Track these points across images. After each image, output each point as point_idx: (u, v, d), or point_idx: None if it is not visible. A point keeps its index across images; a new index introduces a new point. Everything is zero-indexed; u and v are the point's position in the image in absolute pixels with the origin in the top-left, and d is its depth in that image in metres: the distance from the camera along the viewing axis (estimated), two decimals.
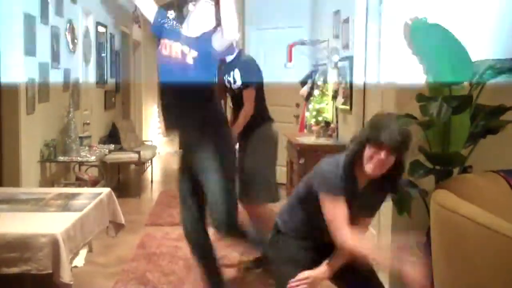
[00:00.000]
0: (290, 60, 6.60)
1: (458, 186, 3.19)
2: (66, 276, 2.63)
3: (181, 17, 3.33)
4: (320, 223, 2.54)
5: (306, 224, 2.67)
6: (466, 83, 3.45)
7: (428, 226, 3.37)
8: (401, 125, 2.51)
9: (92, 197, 3.39)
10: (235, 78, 4.18)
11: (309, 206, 2.62)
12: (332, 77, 5.95)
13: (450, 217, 2.88)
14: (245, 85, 4.16)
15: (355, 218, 2.55)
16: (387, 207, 3.88)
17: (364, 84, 4.87)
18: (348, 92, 5.15)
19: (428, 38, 3.25)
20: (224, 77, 4.23)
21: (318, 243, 2.66)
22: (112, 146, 6.21)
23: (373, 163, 2.46)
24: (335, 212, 2.48)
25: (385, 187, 2.64)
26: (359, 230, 2.59)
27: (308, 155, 5.12)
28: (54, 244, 2.61)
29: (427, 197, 3.51)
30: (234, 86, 4.21)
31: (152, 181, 8.05)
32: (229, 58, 4.20)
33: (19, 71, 4.34)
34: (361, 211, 2.59)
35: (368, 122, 2.63)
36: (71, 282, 2.72)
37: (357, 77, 4.95)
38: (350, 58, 5.09)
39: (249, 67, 4.23)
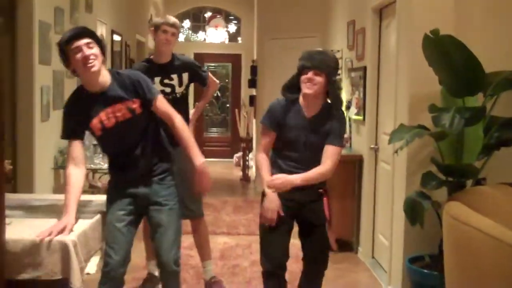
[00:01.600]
0: None
1: (471, 198, 3.17)
2: (76, 282, 2.64)
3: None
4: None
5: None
6: (479, 95, 3.44)
7: (441, 237, 3.35)
8: (321, 51, 3.24)
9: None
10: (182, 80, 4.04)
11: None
12: (346, 88, 5.94)
13: (463, 229, 2.86)
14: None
15: (317, 142, 3.17)
16: (399, 218, 3.87)
17: (378, 94, 4.86)
18: (362, 103, 5.14)
19: (441, 49, 3.24)
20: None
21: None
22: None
23: (305, 83, 3.11)
24: (261, 138, 3.34)
25: (330, 114, 3.19)
26: (325, 158, 3.15)
27: None
28: (65, 250, 2.62)
29: (439, 209, 3.50)
30: (177, 90, 4.03)
31: None
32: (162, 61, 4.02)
33: (34, 79, 4.38)
34: (317, 134, 3.17)
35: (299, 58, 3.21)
36: None
37: (371, 88, 4.94)
38: (363, 69, 5.08)
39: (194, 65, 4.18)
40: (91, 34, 2.89)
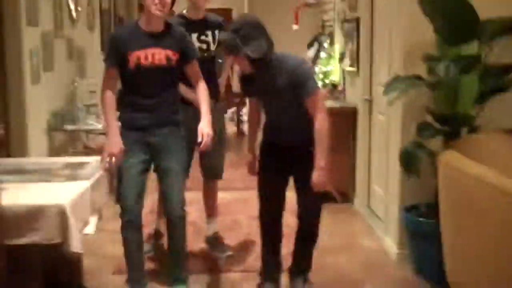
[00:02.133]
0: (296, 22, 6.52)
1: (466, 147, 3.17)
2: (75, 245, 2.65)
3: None
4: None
5: None
6: (474, 43, 3.39)
7: (436, 187, 3.37)
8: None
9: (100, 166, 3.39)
10: (215, 38, 3.92)
11: None
12: (339, 39, 5.88)
13: (459, 178, 2.87)
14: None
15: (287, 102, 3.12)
16: (395, 168, 3.88)
17: (371, 45, 4.81)
18: (355, 54, 5.09)
19: None
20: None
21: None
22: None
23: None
24: None
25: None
26: (313, 113, 3.06)
27: None
28: (62, 214, 2.62)
29: (435, 158, 3.50)
30: (212, 47, 3.93)
31: None
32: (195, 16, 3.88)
33: (22, 42, 4.30)
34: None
35: None
36: (81, 251, 2.74)
37: (364, 39, 4.88)
38: (356, 20, 5.01)
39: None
40: None
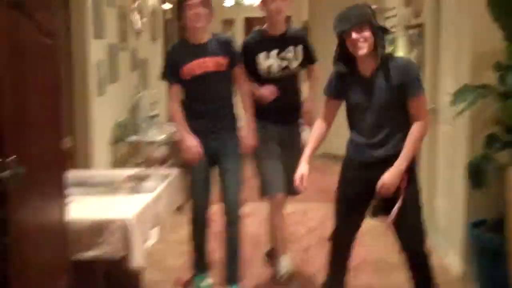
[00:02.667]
0: None
1: None
2: (138, 259, 2.68)
3: None
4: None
5: None
6: None
7: (505, 202, 3.23)
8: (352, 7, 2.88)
9: (162, 178, 3.43)
10: (297, 53, 3.73)
11: None
12: (402, 46, 5.74)
13: None
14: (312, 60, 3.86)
15: (385, 102, 2.84)
16: (461, 181, 3.74)
17: (437, 53, 4.67)
18: (420, 62, 4.95)
19: (507, 3, 3.05)
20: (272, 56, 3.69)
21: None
22: None
23: (354, 45, 2.82)
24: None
25: (390, 64, 2.88)
26: (413, 116, 2.83)
27: None
28: (126, 228, 2.65)
29: (504, 172, 3.36)
30: (293, 64, 3.74)
31: None
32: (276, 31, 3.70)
33: (89, 54, 4.41)
34: (382, 92, 2.86)
35: (332, 25, 2.95)
36: (144, 265, 2.77)
37: (429, 46, 4.74)
38: (421, 26, 4.88)
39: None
40: None
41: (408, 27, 5.40)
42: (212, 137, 3.51)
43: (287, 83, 3.70)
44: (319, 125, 3.10)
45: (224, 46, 3.51)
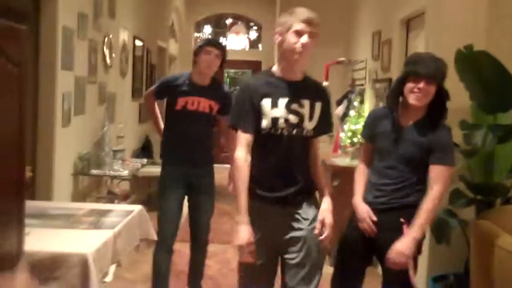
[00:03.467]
0: (326, 79, 6.52)
1: (500, 217, 3.08)
2: None
3: None
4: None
5: None
6: (511, 111, 3.34)
7: (467, 257, 3.26)
8: (435, 57, 2.75)
9: (124, 214, 3.35)
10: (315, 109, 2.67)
11: None
12: (370, 98, 5.85)
13: (491, 249, 2.77)
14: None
15: (412, 154, 2.74)
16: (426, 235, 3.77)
17: None
18: None
19: (474, 65, 3.15)
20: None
21: None
22: (144, 161, 6.19)
23: (415, 93, 2.68)
24: None
25: (431, 124, 2.76)
26: (433, 182, 2.69)
27: (342, 176, 5.01)
28: (84, 264, 2.56)
29: (467, 228, 3.40)
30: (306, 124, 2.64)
31: None
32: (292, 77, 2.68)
33: (56, 85, 4.34)
34: (413, 146, 2.74)
35: (405, 60, 2.86)
36: None
37: None
38: (389, 80, 5.00)
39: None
40: (223, 49, 3.78)
41: (376, 81, 5.52)
42: (191, 170, 3.77)
43: (297, 147, 2.65)
44: (362, 169, 2.99)
45: (221, 95, 3.82)
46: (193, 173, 3.78)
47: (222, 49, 3.78)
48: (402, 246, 2.64)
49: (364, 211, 2.82)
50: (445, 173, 2.69)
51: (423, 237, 2.77)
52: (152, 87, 4.05)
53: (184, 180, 3.77)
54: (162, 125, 3.98)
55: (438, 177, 2.68)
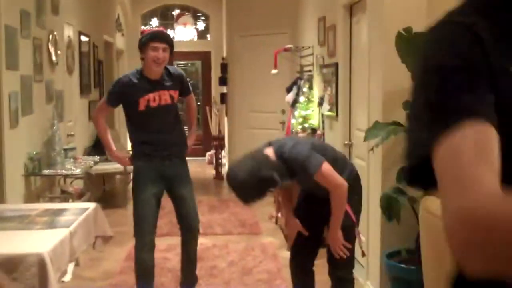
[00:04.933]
0: (275, 66, 6.60)
1: None
2: None
3: None
4: None
5: None
6: None
7: (417, 232, 3.37)
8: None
9: (79, 212, 3.35)
10: None
11: None
12: (318, 84, 5.95)
13: (439, 223, 2.89)
14: None
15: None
16: (375, 214, 3.89)
17: (350, 90, 4.88)
18: (334, 99, 5.15)
19: (414, 46, 3.25)
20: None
21: None
22: (97, 158, 6.14)
23: None
24: None
25: None
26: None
27: None
28: (42, 263, 2.56)
29: (415, 204, 3.52)
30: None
31: None
32: None
33: (1, 85, 4.27)
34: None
35: None
36: None
37: (343, 84, 4.95)
38: (335, 65, 5.09)
39: None
40: (170, 41, 3.73)
41: (323, 66, 5.62)
42: (166, 162, 3.79)
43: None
44: None
45: (177, 80, 3.84)
46: (168, 167, 3.79)
47: (168, 41, 3.72)
48: (331, 235, 3.14)
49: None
50: (322, 176, 2.96)
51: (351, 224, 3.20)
52: (102, 101, 3.99)
53: (160, 176, 3.76)
54: (111, 143, 3.89)
55: (325, 181, 2.98)
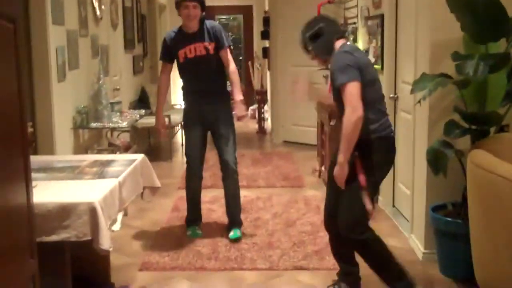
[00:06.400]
0: None
1: (494, 146, 3.14)
2: (105, 242, 2.67)
3: None
4: None
5: None
6: (502, 41, 3.35)
7: (464, 186, 3.34)
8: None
9: (127, 163, 3.41)
10: None
11: None
12: (362, 36, 5.84)
13: (487, 177, 2.84)
14: None
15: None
16: (421, 167, 3.86)
17: (396, 43, 4.77)
18: (380, 52, 5.06)
19: None
20: None
21: None
22: (142, 111, 6.23)
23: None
24: None
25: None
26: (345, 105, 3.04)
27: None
28: (93, 211, 2.64)
29: (463, 157, 3.47)
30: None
31: (182, 144, 8.10)
32: None
33: (48, 40, 4.34)
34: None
35: None
36: (110, 248, 2.76)
37: (389, 36, 4.84)
38: (381, 17, 4.98)
39: None
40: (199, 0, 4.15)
41: (368, 18, 5.50)
42: (207, 108, 4.24)
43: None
44: None
45: (212, 34, 4.19)
46: (209, 112, 4.26)
47: (198, 0, 4.14)
48: (335, 172, 3.09)
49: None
50: (344, 93, 2.96)
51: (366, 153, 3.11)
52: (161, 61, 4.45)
53: (203, 118, 4.26)
54: (160, 109, 4.43)
55: (344, 99, 2.97)
